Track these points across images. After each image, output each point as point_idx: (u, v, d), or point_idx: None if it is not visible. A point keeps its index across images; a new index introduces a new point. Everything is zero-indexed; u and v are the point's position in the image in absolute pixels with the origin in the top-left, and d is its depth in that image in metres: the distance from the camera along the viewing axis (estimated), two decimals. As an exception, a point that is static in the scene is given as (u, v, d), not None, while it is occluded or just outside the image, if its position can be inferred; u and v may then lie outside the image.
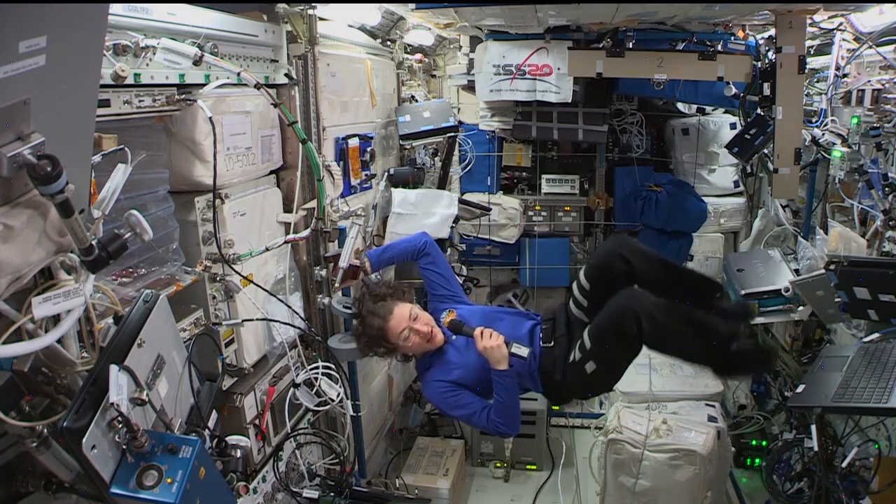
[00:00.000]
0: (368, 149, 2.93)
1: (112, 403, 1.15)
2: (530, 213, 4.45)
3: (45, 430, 1.16)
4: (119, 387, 1.16)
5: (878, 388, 1.99)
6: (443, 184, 3.93)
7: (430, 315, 2.45)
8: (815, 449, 2.30)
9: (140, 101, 1.58)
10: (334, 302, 2.54)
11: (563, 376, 2.33)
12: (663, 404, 3.16)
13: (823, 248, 2.94)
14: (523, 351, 2.19)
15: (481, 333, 2.23)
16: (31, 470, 1.29)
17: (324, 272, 2.55)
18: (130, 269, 1.60)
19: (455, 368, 2.39)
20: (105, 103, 1.46)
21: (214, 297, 1.93)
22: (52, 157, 0.98)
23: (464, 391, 2.36)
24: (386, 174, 3.31)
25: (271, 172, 2.31)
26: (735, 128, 4.00)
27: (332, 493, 2.38)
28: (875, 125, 2.63)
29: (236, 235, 1.99)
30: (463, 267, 3.95)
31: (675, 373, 3.41)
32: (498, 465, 3.69)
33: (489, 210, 4.11)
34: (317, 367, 2.28)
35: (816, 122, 3.02)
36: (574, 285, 2.41)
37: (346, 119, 2.79)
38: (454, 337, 2.41)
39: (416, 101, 3.78)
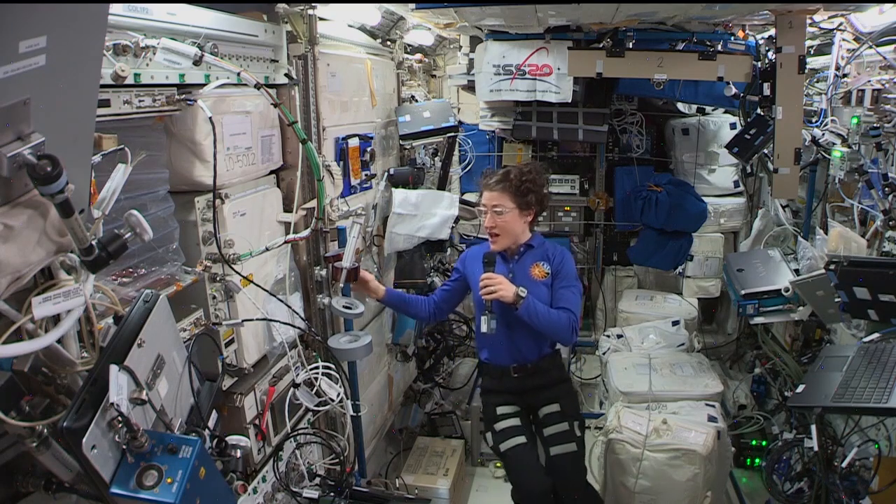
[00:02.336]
0: (368, 149, 2.93)
1: (112, 403, 1.15)
2: (530, 212, 4.45)
3: (45, 430, 1.16)
4: (119, 387, 1.16)
5: (878, 388, 1.99)
6: (443, 184, 3.93)
7: (510, 225, 2.61)
8: (815, 449, 2.29)
9: (140, 101, 1.58)
10: (334, 302, 2.54)
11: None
12: (663, 404, 3.16)
13: (823, 248, 2.94)
14: (484, 326, 2.47)
15: (489, 279, 2.46)
16: (31, 470, 1.29)
17: (324, 272, 2.56)
18: (130, 269, 1.60)
19: (477, 268, 2.62)
20: (105, 103, 1.46)
21: (214, 297, 1.93)
22: (52, 157, 0.98)
23: (456, 285, 2.81)
24: (386, 174, 3.31)
25: (271, 172, 2.31)
26: (735, 128, 4.00)
27: (332, 493, 2.38)
28: (875, 125, 2.63)
29: (236, 235, 1.99)
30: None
31: (675, 373, 3.41)
32: (498, 465, 3.69)
33: (489, 210, 4.11)
34: (317, 367, 2.28)
35: (816, 122, 3.02)
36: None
37: (346, 119, 2.79)
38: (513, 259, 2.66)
39: (416, 101, 3.77)
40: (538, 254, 2.66)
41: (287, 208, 2.32)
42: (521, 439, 2.60)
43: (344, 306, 2.53)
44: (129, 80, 1.51)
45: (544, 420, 2.67)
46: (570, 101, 3.61)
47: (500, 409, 2.69)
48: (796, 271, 3.08)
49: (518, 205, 2.59)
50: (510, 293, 2.42)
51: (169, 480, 1.19)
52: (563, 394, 2.70)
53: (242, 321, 2.01)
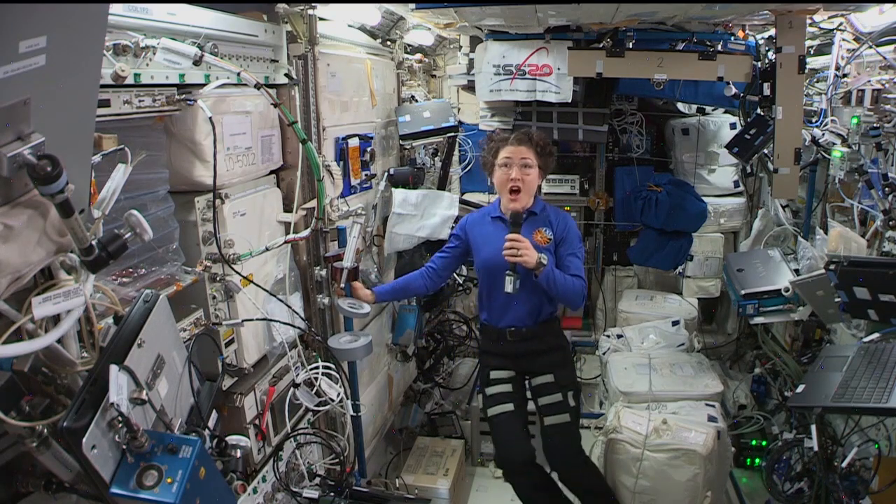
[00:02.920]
0: (368, 149, 2.93)
1: (112, 403, 1.15)
2: (530, 212, 4.45)
3: (45, 430, 1.16)
4: (119, 387, 1.16)
5: (878, 388, 1.99)
6: (443, 184, 3.93)
7: (533, 184, 2.62)
8: (815, 449, 2.29)
9: (140, 101, 1.58)
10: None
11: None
12: (663, 404, 3.16)
13: (823, 248, 2.94)
14: (509, 286, 2.46)
15: (517, 240, 2.43)
16: (31, 470, 1.29)
17: (324, 272, 2.56)
18: (130, 269, 1.60)
19: (484, 236, 2.69)
20: (105, 103, 1.46)
21: (214, 297, 1.93)
22: (52, 157, 0.98)
23: (456, 251, 2.82)
24: (386, 174, 3.31)
25: (271, 172, 2.31)
26: (735, 128, 4.00)
27: (332, 493, 2.38)
28: (875, 125, 2.63)
29: (236, 235, 1.99)
30: (463, 267, 3.95)
31: (675, 373, 3.40)
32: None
33: (489, 210, 4.11)
34: (317, 367, 2.28)
35: (816, 122, 3.02)
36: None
37: (346, 119, 2.79)
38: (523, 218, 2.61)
39: (416, 101, 3.77)
40: (540, 220, 2.69)
41: (287, 208, 2.32)
42: (509, 407, 2.68)
43: (350, 305, 2.55)
44: (129, 80, 1.51)
45: (538, 390, 2.73)
46: (570, 101, 3.61)
47: (494, 374, 2.75)
48: (796, 271, 3.08)
49: (539, 165, 2.62)
50: (533, 259, 2.44)
51: (169, 480, 1.19)
52: (558, 362, 2.74)
53: (242, 321, 2.01)
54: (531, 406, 2.79)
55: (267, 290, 2.16)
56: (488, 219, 2.76)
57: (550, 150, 2.70)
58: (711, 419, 3.00)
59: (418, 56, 4.12)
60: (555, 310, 2.78)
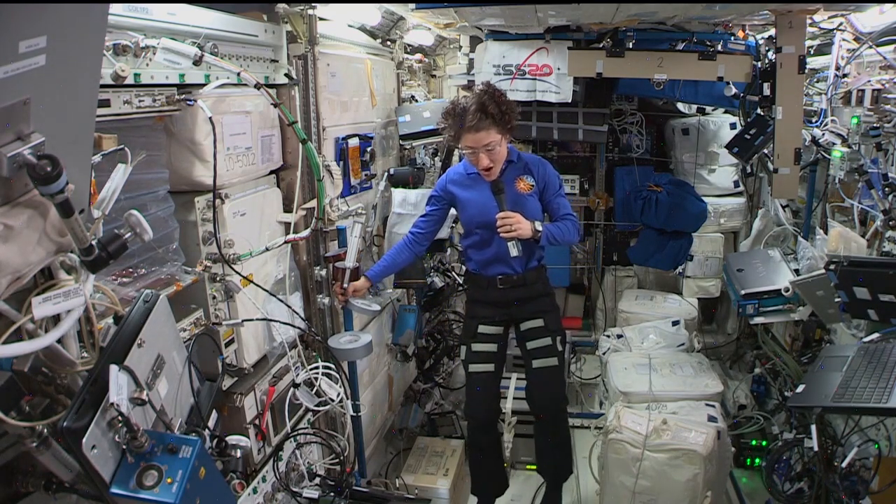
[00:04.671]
0: (368, 149, 2.93)
1: (112, 403, 1.15)
2: (530, 212, 4.45)
3: (45, 430, 1.16)
4: (119, 387, 1.16)
5: (878, 388, 1.99)
6: (443, 184, 3.93)
7: (502, 154, 2.61)
8: (815, 449, 2.29)
9: (140, 101, 1.59)
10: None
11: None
12: (663, 404, 3.15)
13: (823, 248, 2.94)
14: (514, 250, 2.53)
15: (507, 217, 2.49)
16: (31, 470, 1.29)
17: (324, 272, 2.56)
18: (130, 269, 1.60)
19: (469, 195, 2.70)
20: (105, 103, 1.46)
21: (214, 297, 1.93)
22: (52, 157, 0.98)
23: (439, 212, 2.81)
24: (386, 174, 3.31)
25: (271, 172, 2.31)
26: (735, 128, 4.00)
27: (332, 493, 2.38)
28: (875, 125, 2.63)
29: (236, 235, 1.99)
30: (463, 267, 3.95)
31: (675, 373, 3.40)
32: (498, 465, 3.68)
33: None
34: (317, 367, 2.28)
35: (816, 122, 3.02)
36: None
37: (346, 119, 2.79)
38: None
39: (416, 101, 3.77)
40: (519, 168, 2.71)
41: (287, 208, 2.32)
42: (490, 367, 2.79)
43: (362, 304, 2.59)
44: (129, 80, 1.52)
45: (526, 334, 2.78)
46: (570, 101, 3.60)
47: (482, 328, 2.80)
48: (796, 271, 3.08)
49: (502, 133, 2.60)
50: (528, 230, 2.51)
51: (169, 480, 1.19)
52: (546, 308, 2.80)
53: (242, 321, 2.01)
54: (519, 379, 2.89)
55: (267, 290, 2.16)
56: (468, 176, 2.74)
57: (510, 109, 2.59)
58: (711, 419, 2.99)
59: (418, 56, 4.12)
60: (542, 257, 2.83)
